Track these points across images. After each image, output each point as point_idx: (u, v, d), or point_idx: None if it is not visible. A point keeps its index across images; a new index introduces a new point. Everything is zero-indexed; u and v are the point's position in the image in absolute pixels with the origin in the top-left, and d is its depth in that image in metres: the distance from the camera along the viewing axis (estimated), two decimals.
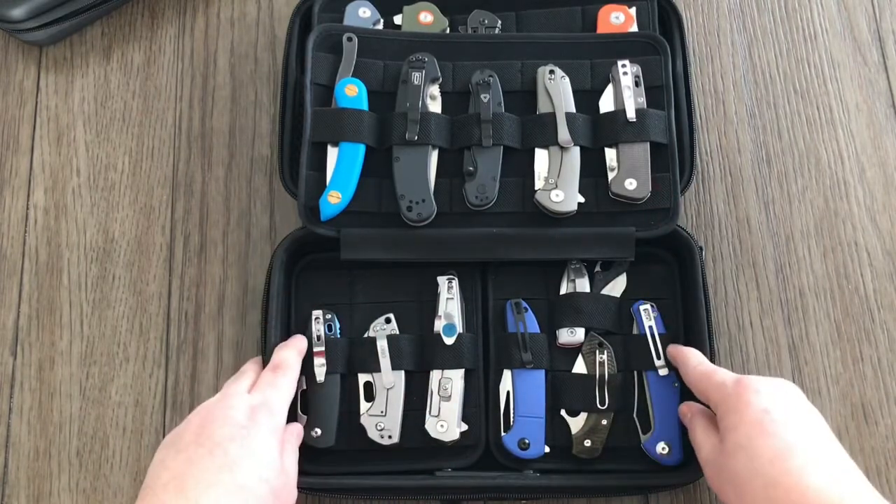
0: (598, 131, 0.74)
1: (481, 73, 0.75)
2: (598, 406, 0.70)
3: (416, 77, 0.74)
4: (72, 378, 0.75)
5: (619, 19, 0.79)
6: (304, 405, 0.70)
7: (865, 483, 0.56)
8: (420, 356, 0.71)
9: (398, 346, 0.71)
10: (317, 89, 0.75)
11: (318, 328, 0.71)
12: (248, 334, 0.76)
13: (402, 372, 0.70)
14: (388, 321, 0.72)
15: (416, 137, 0.72)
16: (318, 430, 0.69)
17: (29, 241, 0.79)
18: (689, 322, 0.72)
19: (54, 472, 0.72)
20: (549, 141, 0.73)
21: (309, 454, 0.68)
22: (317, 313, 0.72)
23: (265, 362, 0.68)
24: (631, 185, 0.72)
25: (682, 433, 0.68)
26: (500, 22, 0.79)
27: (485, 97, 0.74)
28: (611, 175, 0.73)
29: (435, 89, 0.75)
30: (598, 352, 0.71)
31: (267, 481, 0.58)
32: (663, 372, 0.70)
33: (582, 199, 0.72)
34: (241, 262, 0.78)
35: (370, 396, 0.70)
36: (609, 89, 0.75)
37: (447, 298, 0.72)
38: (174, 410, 0.74)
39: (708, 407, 0.64)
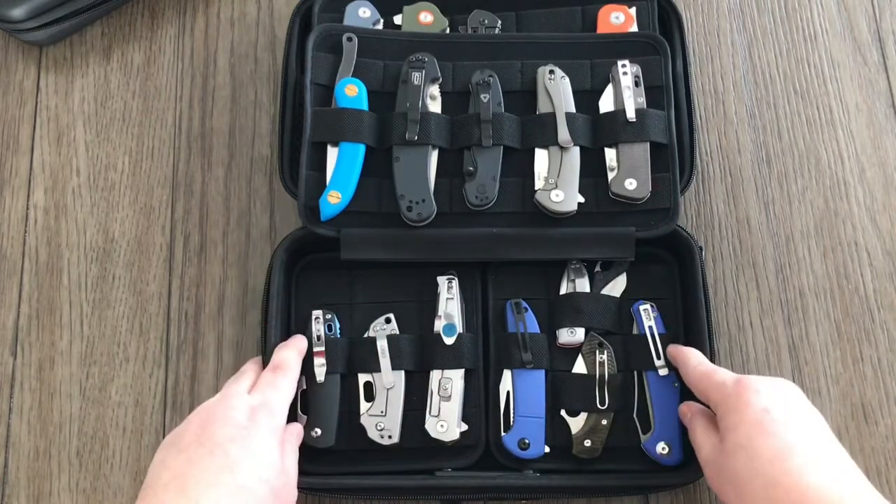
0: (598, 131, 0.74)
1: (481, 73, 0.75)
2: (598, 406, 0.70)
3: (416, 77, 0.74)
4: (72, 378, 0.75)
5: (619, 19, 0.79)
6: (304, 405, 0.70)
7: (865, 483, 0.56)
8: (420, 356, 0.71)
9: (398, 346, 0.71)
10: (317, 89, 0.75)
11: (318, 328, 0.71)
12: (248, 334, 0.76)
13: (402, 372, 0.70)
14: (388, 321, 0.72)
15: (416, 137, 0.72)
16: (318, 430, 0.69)
17: (29, 241, 0.79)
18: (689, 322, 0.72)
19: (54, 472, 0.72)
20: (549, 141, 0.73)
21: (309, 454, 0.68)
22: (317, 313, 0.72)
23: (265, 362, 0.68)
24: (631, 185, 0.72)
25: (682, 433, 0.68)
26: (500, 22, 0.79)
27: (485, 97, 0.74)
28: (611, 175, 0.73)
29: (435, 89, 0.75)
30: (598, 352, 0.71)
31: (267, 482, 0.58)
32: (663, 372, 0.70)
33: (582, 199, 0.72)
34: (241, 262, 0.78)
35: (370, 396, 0.70)
36: (609, 89, 0.75)
37: (447, 298, 0.72)
38: (174, 410, 0.74)
39: (708, 407, 0.64)
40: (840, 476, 0.56)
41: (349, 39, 0.76)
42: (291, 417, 0.67)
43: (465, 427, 0.69)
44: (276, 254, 0.72)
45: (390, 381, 0.70)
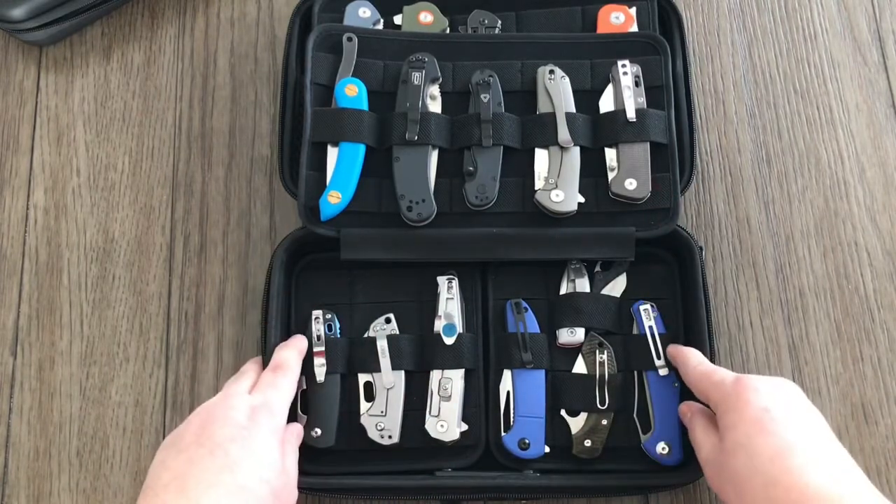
0: (598, 131, 0.74)
1: (481, 73, 0.75)
2: (598, 406, 0.70)
3: (416, 77, 0.74)
4: (72, 378, 0.75)
5: (619, 19, 0.79)
6: (304, 405, 0.70)
7: (866, 482, 0.56)
8: (420, 356, 0.71)
9: (398, 346, 0.71)
10: (317, 89, 0.75)
11: (318, 328, 0.71)
12: (248, 334, 0.76)
13: (402, 372, 0.70)
14: (388, 321, 0.72)
15: (416, 137, 0.72)
16: (318, 430, 0.69)
17: (29, 241, 0.79)
18: (689, 322, 0.72)
19: (54, 472, 0.72)
20: (549, 141, 0.73)
21: (309, 454, 0.68)
22: (317, 313, 0.72)
23: (265, 362, 0.68)
24: (631, 185, 0.72)
25: (683, 433, 0.68)
26: (500, 22, 0.79)
27: (485, 97, 0.74)
28: (611, 175, 0.73)
29: (435, 89, 0.75)
30: (598, 352, 0.71)
31: (267, 482, 0.58)
32: (663, 372, 0.70)
33: (582, 199, 0.72)
34: (241, 262, 0.78)
35: (370, 396, 0.70)
36: (609, 89, 0.75)
37: (447, 298, 0.72)
38: (174, 410, 0.74)
39: (708, 407, 0.64)
40: (840, 475, 0.56)
41: (349, 39, 0.76)
42: (291, 417, 0.67)
43: (465, 427, 0.69)
44: (276, 254, 0.72)
45: (390, 381, 0.70)
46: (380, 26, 0.79)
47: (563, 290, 0.73)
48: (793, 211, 0.79)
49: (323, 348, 0.70)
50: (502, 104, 0.74)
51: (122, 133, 0.82)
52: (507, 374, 0.71)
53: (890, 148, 0.81)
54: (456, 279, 0.72)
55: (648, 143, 0.73)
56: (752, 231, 0.78)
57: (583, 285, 0.73)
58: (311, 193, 0.72)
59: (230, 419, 0.60)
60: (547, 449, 0.69)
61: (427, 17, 0.79)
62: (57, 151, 0.81)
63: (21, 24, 0.80)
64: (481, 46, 0.77)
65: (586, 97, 0.75)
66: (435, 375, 0.70)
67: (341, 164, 0.72)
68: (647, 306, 0.72)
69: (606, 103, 0.75)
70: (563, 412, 0.70)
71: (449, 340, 0.70)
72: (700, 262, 0.71)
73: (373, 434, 0.69)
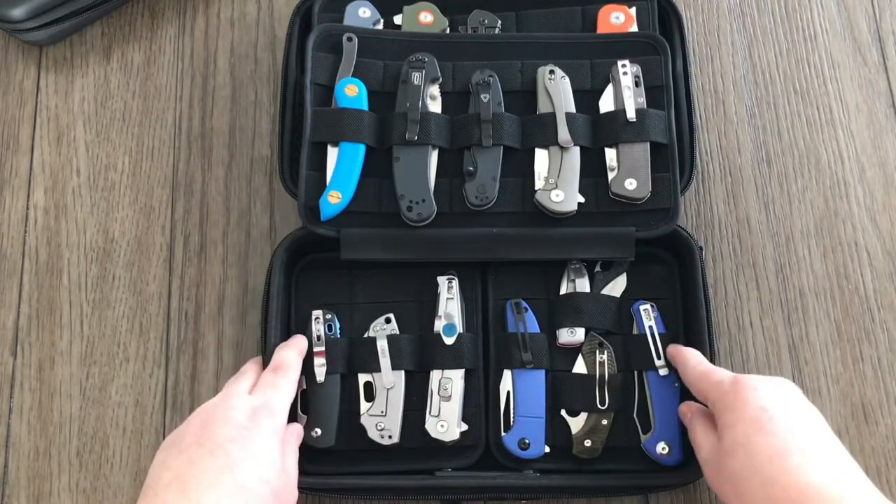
0: (598, 131, 0.74)
1: (481, 73, 0.75)
2: (599, 406, 0.70)
3: (416, 77, 0.74)
4: (72, 378, 0.75)
5: (619, 19, 0.79)
6: (304, 405, 0.70)
7: (866, 482, 0.56)
8: (420, 356, 0.71)
9: (398, 346, 0.71)
10: (317, 89, 0.75)
11: (318, 328, 0.71)
12: (248, 334, 0.76)
13: (402, 372, 0.70)
14: (388, 321, 0.72)
15: (416, 137, 0.72)
16: (318, 430, 0.69)
17: (29, 241, 0.79)
18: (689, 322, 0.72)
19: (54, 472, 0.72)
20: (549, 141, 0.73)
21: (309, 454, 0.68)
22: (317, 313, 0.72)
23: (265, 362, 0.68)
24: (631, 185, 0.72)
25: (683, 433, 0.68)
26: (500, 22, 0.79)
27: (485, 97, 0.74)
28: (611, 175, 0.73)
29: (435, 89, 0.75)
30: (598, 352, 0.71)
31: (268, 482, 0.58)
32: (663, 372, 0.70)
33: (582, 199, 0.72)
34: (241, 262, 0.78)
35: (370, 396, 0.70)
36: (609, 89, 0.75)
37: (447, 298, 0.72)
38: (174, 410, 0.74)
39: (707, 407, 0.64)
40: (840, 475, 0.56)
41: (349, 39, 0.76)
42: (291, 417, 0.67)
43: (465, 427, 0.69)
44: (276, 254, 0.72)
45: (390, 381, 0.70)
46: (380, 26, 0.79)
47: (563, 290, 0.73)
48: (793, 211, 0.79)
49: (323, 348, 0.70)
50: (502, 104, 0.74)
51: (122, 133, 0.82)
52: (507, 374, 0.71)
53: (890, 148, 0.81)
54: (456, 279, 0.72)
55: (648, 143, 0.73)
56: (752, 231, 0.78)
57: (583, 285, 0.73)
58: (311, 193, 0.72)
59: (231, 419, 0.60)
60: (547, 449, 0.69)
61: (427, 17, 0.79)
62: (57, 151, 0.81)
63: (21, 24, 0.80)
64: (481, 46, 0.77)
65: (586, 97, 0.75)
66: (435, 375, 0.70)
67: (341, 164, 0.72)
68: (647, 306, 0.72)
69: (606, 103, 0.75)
70: (563, 412, 0.70)
71: (449, 340, 0.70)
72: (700, 262, 0.71)
73: (373, 434, 0.69)
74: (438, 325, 0.71)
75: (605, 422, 0.70)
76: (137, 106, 0.83)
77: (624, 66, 0.75)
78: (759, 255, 0.78)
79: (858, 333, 0.75)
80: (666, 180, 0.72)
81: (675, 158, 0.73)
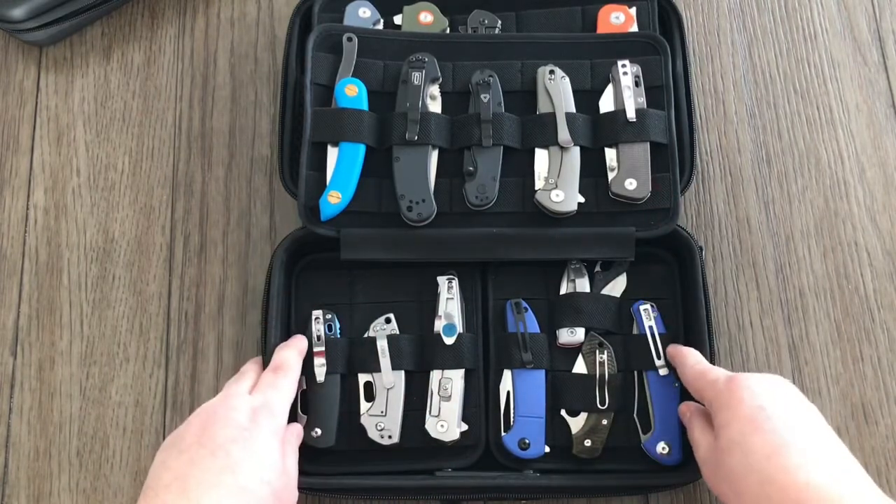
0: (598, 131, 0.74)
1: (481, 73, 0.75)
2: (599, 406, 0.70)
3: (416, 77, 0.74)
4: (72, 378, 0.75)
5: (619, 19, 0.79)
6: (304, 405, 0.70)
7: (868, 481, 0.55)
8: (420, 356, 0.71)
9: (398, 346, 0.71)
10: (317, 89, 0.75)
11: (318, 328, 0.71)
12: (248, 334, 0.76)
13: (402, 372, 0.70)
14: (388, 321, 0.72)
15: (416, 137, 0.72)
16: (318, 430, 0.69)
17: (29, 241, 0.79)
18: (689, 322, 0.72)
19: (54, 472, 0.72)
20: (549, 141, 0.73)
21: (309, 454, 0.68)
22: (317, 313, 0.72)
23: (265, 362, 0.68)
24: (631, 185, 0.72)
25: (683, 433, 0.68)
26: (500, 22, 0.79)
27: (485, 97, 0.74)
28: (611, 175, 0.73)
29: (435, 89, 0.75)
30: (598, 352, 0.71)
31: (268, 483, 0.58)
32: (663, 372, 0.70)
33: (582, 199, 0.72)
34: (241, 262, 0.78)
35: (370, 396, 0.70)
36: (609, 89, 0.75)
37: (447, 298, 0.72)
38: (174, 410, 0.74)
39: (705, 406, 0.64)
40: (840, 474, 0.55)
41: (349, 39, 0.76)
42: (291, 417, 0.67)
43: (465, 427, 0.69)
44: (276, 254, 0.72)
45: (390, 381, 0.70)
46: (380, 26, 0.79)
47: (563, 290, 0.73)
48: (793, 211, 0.79)
49: (323, 348, 0.70)
50: (502, 104, 0.74)
51: (122, 133, 0.82)
52: (507, 374, 0.71)
53: (890, 148, 0.81)
54: (456, 279, 0.72)
55: (648, 143, 0.73)
56: (752, 231, 0.78)
57: (583, 285, 0.73)
58: (311, 193, 0.72)
59: (231, 420, 0.60)
60: (547, 449, 0.69)
61: (427, 17, 0.79)
62: (57, 151, 0.81)
63: (21, 24, 0.80)
64: (481, 46, 0.77)
65: (586, 97, 0.75)
66: (435, 375, 0.70)
67: (341, 164, 0.72)
68: (647, 306, 0.72)
69: (606, 103, 0.75)
70: (563, 412, 0.70)
71: (449, 340, 0.70)
72: (700, 262, 0.71)
73: (373, 434, 0.69)
74: (438, 325, 0.71)
75: (605, 422, 0.70)
76: (137, 106, 0.83)
77: (624, 66, 0.75)
78: (759, 255, 0.78)
79: (858, 333, 0.75)
80: (666, 180, 0.72)
81: (675, 158, 0.73)
